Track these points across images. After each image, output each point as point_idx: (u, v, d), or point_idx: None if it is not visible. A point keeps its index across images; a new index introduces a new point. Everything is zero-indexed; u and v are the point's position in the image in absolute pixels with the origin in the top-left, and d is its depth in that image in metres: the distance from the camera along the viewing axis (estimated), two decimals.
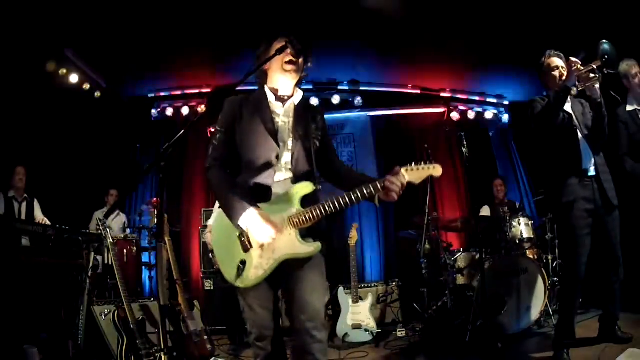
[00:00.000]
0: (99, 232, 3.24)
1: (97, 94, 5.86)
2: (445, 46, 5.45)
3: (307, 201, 1.72)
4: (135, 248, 4.80)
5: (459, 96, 6.68)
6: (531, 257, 3.85)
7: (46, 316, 3.10)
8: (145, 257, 5.12)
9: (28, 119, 4.79)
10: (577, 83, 2.48)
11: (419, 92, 6.57)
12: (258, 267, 1.71)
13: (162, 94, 6.33)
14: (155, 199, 5.19)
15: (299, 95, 1.89)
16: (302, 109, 1.88)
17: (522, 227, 3.92)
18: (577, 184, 2.57)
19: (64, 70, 5.24)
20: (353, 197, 1.68)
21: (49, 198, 4.87)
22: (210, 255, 3.77)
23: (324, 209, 1.67)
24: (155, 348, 2.88)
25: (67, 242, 3.31)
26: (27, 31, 4.56)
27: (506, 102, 6.85)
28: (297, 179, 1.77)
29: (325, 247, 1.77)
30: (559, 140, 2.63)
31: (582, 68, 2.45)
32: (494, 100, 6.83)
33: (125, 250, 4.63)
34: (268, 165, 1.77)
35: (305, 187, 1.74)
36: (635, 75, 2.92)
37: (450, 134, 6.34)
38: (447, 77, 6.41)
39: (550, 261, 4.16)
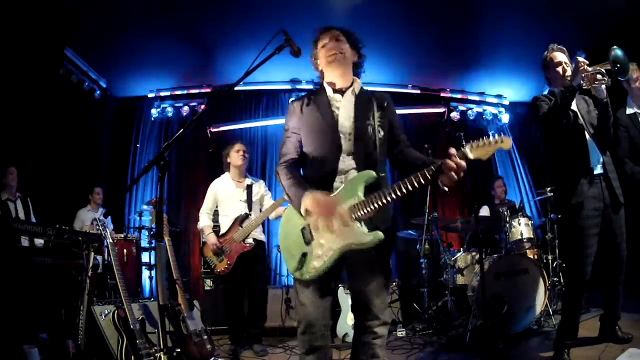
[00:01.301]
0: (99, 231, 3.24)
1: (97, 93, 5.87)
2: (445, 46, 5.45)
3: (372, 190, 1.68)
4: (135, 248, 4.80)
5: (459, 96, 6.68)
6: (531, 257, 3.84)
7: (46, 316, 3.09)
8: (145, 257, 5.12)
9: (27, 119, 4.78)
10: (582, 82, 2.46)
11: (419, 92, 6.58)
12: (318, 258, 1.72)
13: (162, 93, 6.33)
14: (155, 199, 5.20)
15: (357, 84, 1.93)
16: (364, 98, 1.88)
17: (522, 227, 3.92)
18: (586, 183, 2.56)
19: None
20: (414, 182, 1.60)
21: (48, 199, 4.86)
22: (207, 258, 3.77)
23: (384, 198, 1.63)
24: (155, 348, 2.87)
25: (67, 242, 3.31)
26: (27, 31, 4.56)
27: (506, 102, 6.85)
28: (361, 168, 1.77)
29: (390, 236, 1.75)
30: (567, 139, 2.62)
31: (589, 69, 2.43)
32: (494, 100, 6.83)
33: (125, 250, 4.63)
34: (330, 158, 1.79)
35: (366, 176, 1.71)
36: (636, 79, 2.91)
37: (450, 134, 6.35)
38: (447, 77, 6.41)
39: (550, 261, 4.16)
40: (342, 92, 1.89)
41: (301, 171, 1.91)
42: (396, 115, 1.93)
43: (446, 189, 1.61)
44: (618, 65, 2.38)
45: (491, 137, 1.59)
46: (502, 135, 1.61)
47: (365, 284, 1.76)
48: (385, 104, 1.89)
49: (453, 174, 1.54)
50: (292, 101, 1.95)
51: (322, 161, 1.80)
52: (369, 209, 1.65)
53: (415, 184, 1.60)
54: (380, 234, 1.63)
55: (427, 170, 1.59)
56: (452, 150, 1.57)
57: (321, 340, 1.79)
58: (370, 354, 1.77)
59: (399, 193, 1.62)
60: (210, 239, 3.69)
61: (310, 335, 1.77)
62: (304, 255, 1.75)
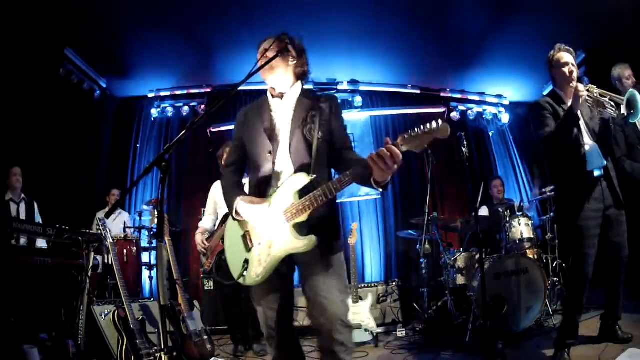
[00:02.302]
0: (99, 232, 3.24)
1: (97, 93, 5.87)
2: (445, 46, 5.46)
3: (306, 193, 1.66)
4: (135, 248, 4.80)
5: (459, 96, 6.68)
6: (531, 257, 3.84)
7: (46, 316, 3.09)
8: (145, 257, 5.12)
9: (27, 119, 4.78)
10: (588, 99, 2.48)
11: (419, 92, 6.58)
12: (258, 265, 1.73)
13: (162, 93, 6.33)
14: (155, 199, 5.20)
15: (296, 88, 1.90)
16: (305, 101, 1.87)
17: (522, 227, 3.92)
18: (586, 185, 2.57)
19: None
20: (344, 180, 1.59)
21: (48, 199, 4.86)
22: (201, 256, 3.79)
23: (316, 197, 1.62)
24: (155, 348, 2.88)
25: (67, 242, 3.31)
26: (27, 31, 4.56)
27: (506, 102, 6.86)
28: (297, 171, 1.75)
29: (332, 240, 1.74)
30: (567, 146, 2.62)
31: (596, 92, 2.45)
32: (494, 100, 6.84)
33: (125, 250, 4.63)
34: (265, 162, 1.80)
35: (298, 179, 1.69)
36: (629, 77, 2.93)
37: (450, 134, 6.34)
38: (447, 77, 6.42)
39: (550, 261, 4.16)
40: (281, 96, 1.89)
41: (245, 177, 1.96)
42: (340, 118, 1.88)
43: (380, 189, 1.59)
44: (632, 109, 2.38)
45: (425, 126, 1.46)
46: (437, 123, 1.46)
47: (313, 287, 1.72)
48: (329, 106, 1.85)
49: (382, 165, 1.48)
50: (241, 110, 1.98)
51: (259, 166, 1.81)
52: (301, 212, 1.64)
53: (345, 183, 1.59)
54: (313, 239, 1.63)
55: (356, 167, 1.58)
56: (386, 139, 1.52)
57: (288, 343, 1.79)
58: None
59: (329, 195, 1.61)
60: (196, 239, 3.76)
61: (274, 341, 1.79)
62: (246, 261, 1.76)
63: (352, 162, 1.70)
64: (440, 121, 1.46)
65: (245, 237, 1.79)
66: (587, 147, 2.61)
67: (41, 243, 3.87)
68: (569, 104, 2.51)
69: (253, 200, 1.76)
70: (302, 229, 1.67)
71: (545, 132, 2.58)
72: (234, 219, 1.83)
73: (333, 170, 1.89)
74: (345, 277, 1.82)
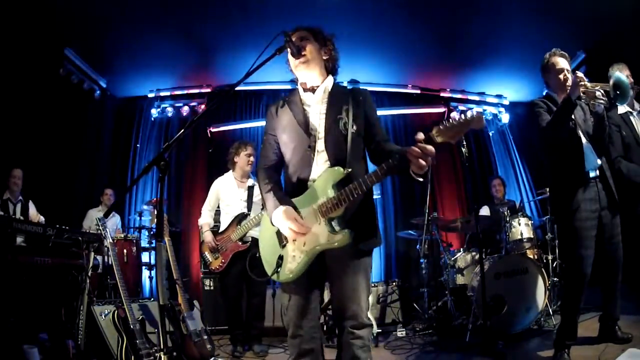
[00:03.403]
0: (99, 232, 3.24)
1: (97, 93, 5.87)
2: (445, 46, 5.46)
3: (343, 186, 1.66)
4: (135, 248, 4.80)
5: (459, 96, 6.68)
6: (531, 257, 3.84)
7: (46, 316, 3.09)
8: (145, 257, 5.12)
9: (27, 119, 4.79)
10: (582, 95, 2.49)
11: (419, 92, 6.58)
12: (292, 261, 1.73)
13: (162, 93, 6.33)
14: (155, 199, 5.20)
15: (329, 81, 1.91)
16: (337, 94, 1.86)
17: (522, 227, 3.92)
18: (582, 186, 2.58)
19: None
20: (379, 173, 1.59)
21: (48, 200, 4.86)
22: (204, 255, 3.79)
23: (350, 191, 1.61)
24: (155, 348, 2.87)
25: (67, 242, 3.31)
26: (27, 31, 4.56)
27: (506, 102, 6.86)
28: (332, 164, 1.75)
29: (368, 235, 1.75)
30: (564, 144, 2.63)
31: (589, 85, 2.46)
32: (494, 100, 6.84)
33: (125, 250, 4.63)
34: (303, 157, 1.80)
35: (334, 173, 1.70)
36: (627, 77, 2.93)
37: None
38: (447, 77, 6.42)
39: (550, 261, 4.16)
40: (313, 90, 1.88)
41: (282, 173, 1.94)
42: (373, 111, 1.89)
43: (420, 179, 1.57)
44: (618, 91, 2.41)
45: (459, 117, 1.49)
46: (473, 113, 1.50)
47: (341, 284, 1.75)
48: (361, 99, 1.86)
49: (420, 160, 1.50)
50: (269, 105, 1.99)
51: (296, 161, 1.81)
52: (337, 206, 1.64)
53: (381, 175, 1.59)
54: (348, 233, 1.63)
55: (392, 159, 1.56)
56: (419, 136, 1.52)
57: (310, 342, 1.78)
58: (350, 355, 1.74)
59: (364, 188, 1.61)
60: (207, 236, 3.75)
61: (299, 339, 1.78)
62: (280, 258, 1.76)
63: (388, 154, 1.67)
64: (475, 111, 1.49)
65: (280, 234, 1.78)
66: (584, 149, 2.62)
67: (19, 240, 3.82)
68: None
69: (296, 217, 1.70)
70: (337, 223, 1.67)
71: (543, 123, 2.60)
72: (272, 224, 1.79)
73: (370, 164, 1.89)
74: (370, 277, 1.85)
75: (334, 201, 1.64)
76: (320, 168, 1.76)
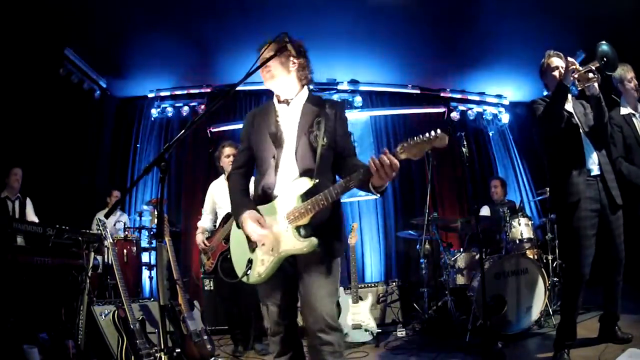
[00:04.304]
0: (99, 232, 3.24)
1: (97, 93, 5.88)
2: (445, 46, 5.46)
3: (308, 197, 1.72)
4: (135, 248, 4.81)
5: (459, 96, 6.68)
6: (531, 257, 3.84)
7: (46, 316, 3.09)
8: (145, 257, 5.12)
9: (27, 119, 4.79)
10: (576, 83, 2.51)
11: (419, 92, 6.58)
12: (261, 264, 1.79)
13: (162, 93, 6.33)
14: (155, 199, 5.20)
15: (303, 94, 1.93)
16: (311, 108, 1.89)
17: (522, 227, 3.92)
18: (582, 183, 2.57)
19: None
20: (344, 185, 1.65)
21: (48, 199, 4.86)
22: (200, 256, 3.80)
23: (317, 201, 1.67)
24: (155, 348, 2.88)
25: (67, 242, 3.31)
26: (27, 31, 4.56)
27: (506, 102, 6.86)
28: (301, 176, 1.79)
29: (333, 243, 1.78)
30: (562, 139, 2.63)
31: (580, 68, 2.49)
32: (494, 100, 6.84)
33: (125, 250, 4.63)
34: (270, 167, 1.83)
35: (301, 183, 1.75)
36: (631, 80, 2.93)
37: (450, 134, 6.33)
38: (447, 77, 6.42)
39: (550, 261, 4.16)
40: (287, 102, 1.92)
41: (251, 180, 1.99)
42: (343, 125, 1.90)
43: (377, 195, 1.64)
44: (605, 59, 2.42)
45: (424, 135, 1.51)
46: (436, 132, 1.50)
47: (307, 289, 1.77)
48: (334, 112, 1.88)
49: (383, 173, 1.54)
50: (249, 112, 2.03)
51: (265, 170, 1.85)
52: (303, 215, 1.70)
53: (345, 187, 1.65)
54: (314, 241, 1.68)
55: (357, 172, 1.63)
56: (383, 150, 1.57)
57: (290, 340, 1.84)
58: None
59: (330, 199, 1.66)
60: (197, 239, 3.79)
61: (278, 337, 1.83)
62: (250, 261, 1.82)
63: (353, 168, 1.73)
64: (439, 130, 1.51)
65: (249, 238, 1.83)
66: (583, 144, 2.62)
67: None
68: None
69: (260, 220, 1.77)
70: (304, 231, 1.73)
71: (538, 113, 2.63)
72: (238, 227, 1.86)
73: (337, 176, 1.91)
74: (338, 281, 1.86)
75: (301, 210, 1.70)
76: (288, 178, 1.80)
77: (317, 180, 1.73)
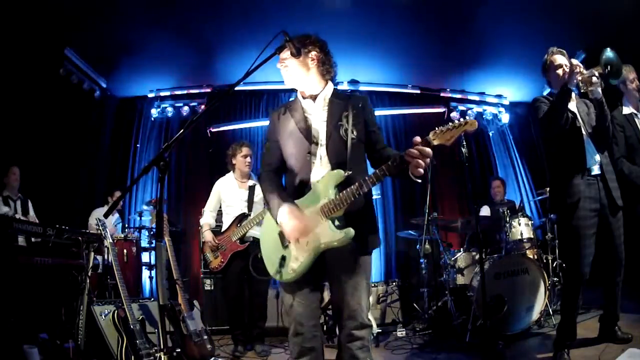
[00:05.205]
0: (99, 231, 3.24)
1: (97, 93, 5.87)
2: (445, 46, 5.45)
3: (343, 189, 1.73)
4: (135, 248, 4.80)
5: (459, 96, 6.68)
6: (531, 257, 3.84)
7: (46, 316, 3.09)
8: (145, 257, 5.12)
9: (27, 119, 4.78)
10: (580, 85, 2.51)
11: (419, 92, 6.58)
12: (295, 260, 1.78)
13: (162, 93, 6.33)
14: (155, 199, 5.20)
15: (328, 88, 1.96)
16: (337, 101, 1.91)
17: (522, 227, 3.92)
18: (582, 183, 2.57)
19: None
20: (378, 174, 1.67)
21: (48, 199, 4.86)
22: (205, 254, 3.82)
23: (352, 192, 1.69)
24: (155, 348, 2.88)
25: (67, 242, 3.31)
26: (27, 31, 4.56)
27: (506, 102, 6.85)
28: (335, 169, 1.80)
29: (368, 234, 1.80)
30: (564, 139, 2.63)
31: (585, 72, 2.48)
32: (494, 100, 6.83)
33: (125, 250, 4.63)
34: (303, 162, 1.85)
35: (334, 176, 1.76)
36: (633, 80, 2.93)
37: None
38: (447, 77, 6.41)
39: (550, 261, 4.16)
40: (313, 98, 1.93)
41: (283, 177, 1.99)
42: (372, 117, 1.95)
43: (419, 180, 1.65)
44: (609, 67, 2.42)
45: (455, 121, 1.61)
46: (466, 117, 1.63)
47: (341, 284, 1.79)
48: (360, 105, 1.91)
49: (419, 161, 1.59)
50: (272, 111, 2.04)
51: (298, 166, 1.87)
52: (339, 207, 1.70)
53: (380, 176, 1.68)
54: (351, 231, 1.68)
55: (391, 162, 1.65)
56: (416, 139, 1.62)
57: (312, 341, 1.82)
58: (350, 355, 1.77)
59: (365, 189, 1.68)
60: (207, 236, 3.77)
61: (300, 337, 1.81)
62: (283, 258, 1.81)
63: (387, 159, 1.74)
64: (468, 117, 1.62)
65: (282, 234, 1.82)
66: (585, 144, 2.62)
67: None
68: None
69: (299, 214, 1.75)
70: (339, 222, 1.73)
71: (541, 113, 2.62)
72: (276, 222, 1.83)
73: (369, 167, 1.94)
74: (370, 276, 1.89)
75: (336, 202, 1.70)
76: (322, 172, 1.82)
77: (351, 172, 1.75)
